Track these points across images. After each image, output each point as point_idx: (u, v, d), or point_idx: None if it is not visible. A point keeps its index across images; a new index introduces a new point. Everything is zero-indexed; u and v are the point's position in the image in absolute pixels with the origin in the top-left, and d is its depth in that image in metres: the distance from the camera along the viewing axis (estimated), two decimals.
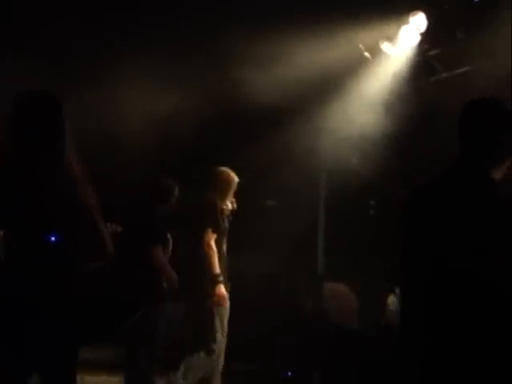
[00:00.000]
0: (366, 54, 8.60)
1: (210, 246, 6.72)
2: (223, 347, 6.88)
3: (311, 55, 8.25)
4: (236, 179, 7.09)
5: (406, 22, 8.11)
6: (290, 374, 7.83)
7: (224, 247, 6.99)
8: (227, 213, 7.07)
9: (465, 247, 2.89)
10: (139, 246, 6.54)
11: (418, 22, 8.04)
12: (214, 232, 6.79)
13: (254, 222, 9.39)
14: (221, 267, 6.77)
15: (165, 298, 6.79)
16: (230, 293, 6.91)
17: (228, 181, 7.07)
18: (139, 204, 6.92)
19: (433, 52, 8.27)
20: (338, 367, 7.55)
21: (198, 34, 8.34)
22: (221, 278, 6.71)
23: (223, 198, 7.01)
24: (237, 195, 7.18)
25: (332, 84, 8.61)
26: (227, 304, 6.85)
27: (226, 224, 7.06)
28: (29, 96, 3.80)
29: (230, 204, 7.07)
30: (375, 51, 8.55)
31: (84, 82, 8.51)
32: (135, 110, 8.69)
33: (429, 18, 7.96)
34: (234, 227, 8.00)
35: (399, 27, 8.21)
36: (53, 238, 3.58)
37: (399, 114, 8.24)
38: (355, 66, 8.59)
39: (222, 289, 6.70)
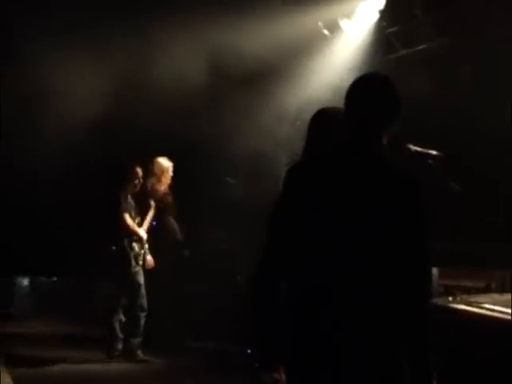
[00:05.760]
0: (325, 31, 8.60)
1: None
2: None
3: (270, 33, 8.22)
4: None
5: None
6: (249, 351, 7.86)
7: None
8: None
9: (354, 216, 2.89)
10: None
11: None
12: None
13: (214, 200, 9.41)
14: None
15: None
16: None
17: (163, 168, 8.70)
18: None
19: (391, 29, 8.28)
20: None
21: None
22: None
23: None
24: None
25: (291, 62, 8.60)
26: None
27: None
28: None
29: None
30: (334, 28, 8.54)
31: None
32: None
33: None
34: (193, 205, 8.22)
35: (358, 4, 8.22)
36: None
37: None
38: (314, 44, 8.58)
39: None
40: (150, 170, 8.70)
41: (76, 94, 8.62)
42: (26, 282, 11.30)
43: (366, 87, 3.10)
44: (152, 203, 8.50)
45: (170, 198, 8.78)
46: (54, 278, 11.44)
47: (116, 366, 7.99)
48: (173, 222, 8.86)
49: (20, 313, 10.66)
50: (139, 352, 8.18)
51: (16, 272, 10.98)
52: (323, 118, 3.93)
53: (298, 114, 8.68)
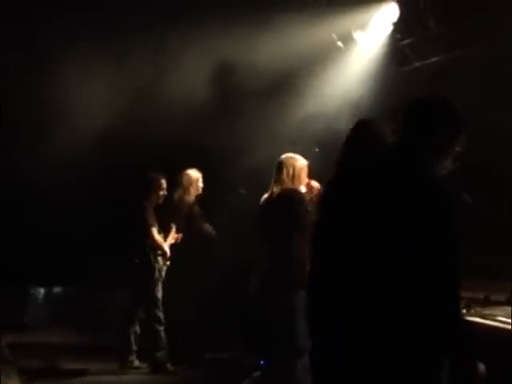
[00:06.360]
0: (339, 43, 8.61)
1: None
2: None
3: (284, 44, 8.24)
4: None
5: (378, 11, 8.13)
6: (262, 362, 7.82)
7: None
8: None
9: (390, 233, 2.89)
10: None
11: (390, 11, 8.06)
12: None
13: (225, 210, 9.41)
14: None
15: None
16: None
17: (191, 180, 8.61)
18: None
19: (405, 41, 8.28)
20: None
21: None
22: None
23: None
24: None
25: (305, 73, 8.62)
26: None
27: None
28: None
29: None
30: (348, 40, 8.56)
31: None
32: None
33: (401, 7, 7.99)
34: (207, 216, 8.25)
35: (371, 16, 8.23)
36: None
37: (372, 103, 8.25)
38: (328, 55, 8.60)
39: None
40: (178, 182, 8.67)
41: (89, 105, 8.66)
42: (39, 292, 11.33)
43: (408, 108, 3.20)
44: (173, 228, 8.44)
45: (196, 208, 8.68)
46: (68, 289, 11.46)
47: (129, 378, 7.99)
48: (204, 225, 8.76)
49: (34, 323, 10.68)
50: (168, 365, 8.14)
51: (30, 282, 11.02)
52: (363, 130, 3.95)
53: (311, 126, 8.69)
